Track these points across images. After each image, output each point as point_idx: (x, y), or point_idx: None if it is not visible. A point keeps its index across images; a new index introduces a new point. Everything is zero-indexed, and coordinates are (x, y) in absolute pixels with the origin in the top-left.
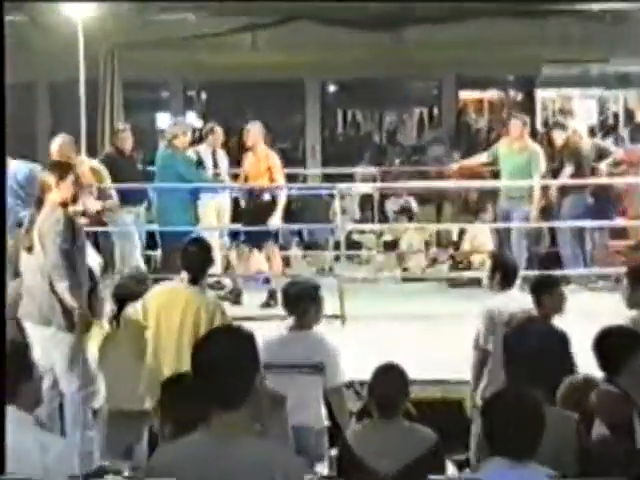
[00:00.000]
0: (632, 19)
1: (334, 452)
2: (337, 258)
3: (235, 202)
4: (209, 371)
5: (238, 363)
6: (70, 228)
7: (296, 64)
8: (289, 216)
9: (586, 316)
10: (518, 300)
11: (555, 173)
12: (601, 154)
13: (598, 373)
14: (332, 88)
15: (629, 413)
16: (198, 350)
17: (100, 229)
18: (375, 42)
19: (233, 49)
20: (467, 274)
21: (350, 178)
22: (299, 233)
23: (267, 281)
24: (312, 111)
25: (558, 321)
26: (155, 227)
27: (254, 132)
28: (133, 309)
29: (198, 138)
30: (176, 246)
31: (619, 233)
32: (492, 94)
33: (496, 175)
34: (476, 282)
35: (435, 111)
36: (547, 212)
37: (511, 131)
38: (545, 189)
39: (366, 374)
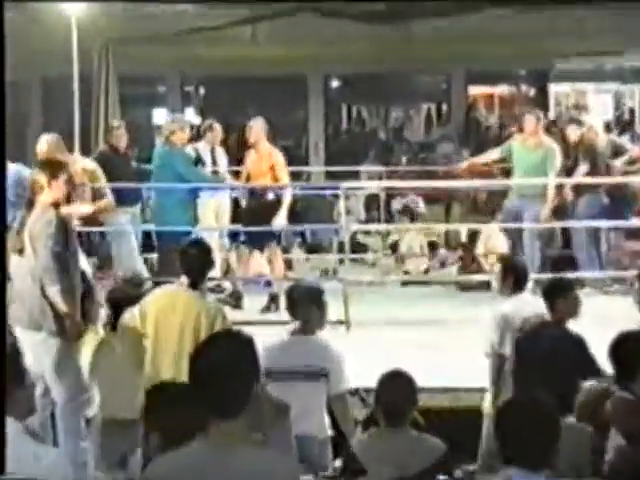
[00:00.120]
0: None
1: (338, 462)
2: (341, 261)
3: (235, 202)
4: (207, 378)
5: (237, 369)
6: (62, 230)
7: (298, 58)
8: (291, 216)
9: (601, 321)
10: (531, 304)
11: (569, 171)
12: (617, 151)
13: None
14: (336, 83)
15: None
16: (196, 356)
17: (95, 229)
18: (381, 35)
19: (232, 42)
20: (477, 277)
21: (355, 177)
22: (301, 234)
23: (269, 284)
24: (315, 107)
25: (572, 326)
26: (152, 227)
27: (256, 129)
28: (130, 314)
29: (196, 135)
30: (174, 248)
31: (635, 234)
32: (503, 89)
33: (507, 174)
34: (486, 285)
35: (443, 107)
36: (560, 212)
37: (525, 127)
38: (559, 188)
39: (372, 381)
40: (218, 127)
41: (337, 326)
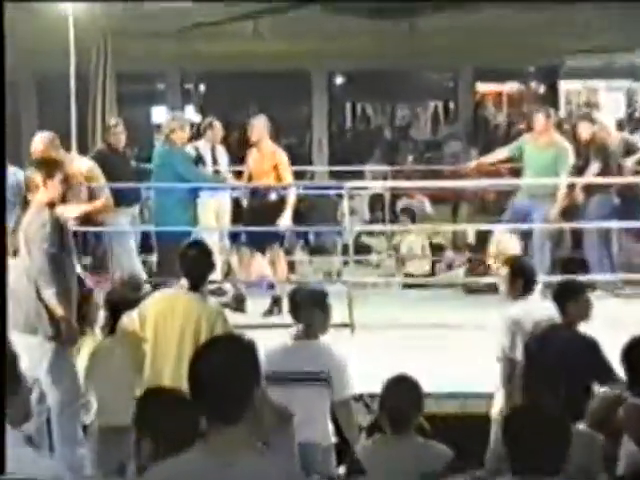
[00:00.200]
0: None
1: (342, 470)
2: (345, 262)
3: (235, 202)
4: (207, 382)
5: (237, 374)
6: (58, 231)
7: (301, 53)
8: (294, 217)
9: (612, 325)
10: (541, 307)
11: (580, 170)
12: (628, 150)
13: None
14: (340, 79)
15: None
16: (196, 360)
17: (92, 229)
18: (386, 30)
19: (234, 38)
20: (484, 279)
21: (359, 176)
22: (304, 235)
23: (271, 287)
24: (318, 104)
25: (583, 329)
26: (151, 228)
27: (259, 127)
28: (128, 318)
29: (196, 133)
30: (174, 249)
31: None
32: (512, 86)
33: (516, 173)
34: (494, 288)
35: (451, 105)
36: (570, 212)
37: (535, 125)
38: (570, 188)
39: (377, 386)
40: (218, 125)
41: (341, 329)
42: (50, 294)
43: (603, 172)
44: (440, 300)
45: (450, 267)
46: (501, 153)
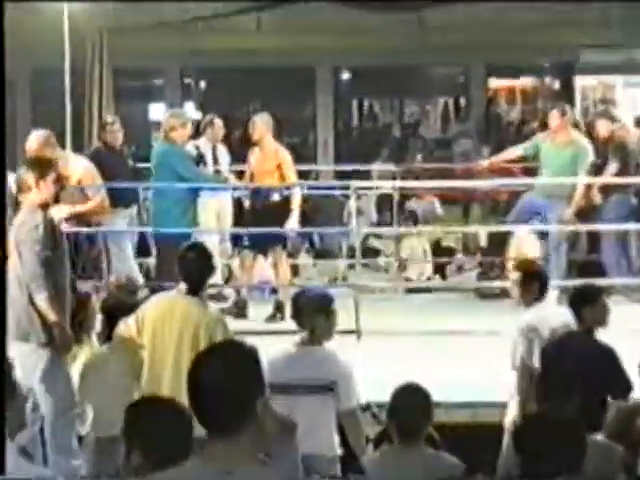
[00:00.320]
0: None
1: None
2: (352, 266)
3: (237, 203)
4: (206, 391)
5: (239, 382)
6: (50, 233)
7: (306, 49)
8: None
9: (630, 331)
10: (557, 313)
11: (598, 170)
12: None
13: None
14: (346, 75)
15: None
16: (195, 367)
17: (86, 230)
18: (394, 24)
19: (236, 32)
20: (498, 284)
21: (366, 176)
22: (309, 238)
23: (274, 291)
24: (324, 101)
25: (599, 336)
26: (149, 229)
27: (261, 125)
28: (125, 324)
29: (196, 131)
30: (173, 252)
31: None
32: (525, 82)
33: (529, 172)
34: (508, 293)
35: (462, 101)
36: (586, 213)
37: (550, 123)
38: (588, 188)
39: (384, 395)
40: (219, 123)
41: (347, 336)
42: (42, 299)
43: (621, 172)
44: (451, 305)
45: (461, 271)
46: (514, 152)
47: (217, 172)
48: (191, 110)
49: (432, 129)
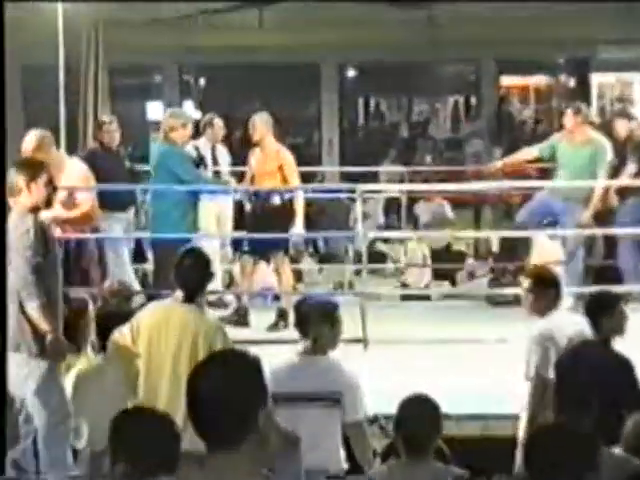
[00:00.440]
0: None
1: None
2: (358, 272)
3: (239, 206)
4: (206, 402)
5: (240, 393)
6: (42, 238)
7: (310, 45)
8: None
9: None
10: (573, 322)
11: (615, 171)
12: None
13: None
14: (352, 72)
15: None
16: (195, 378)
17: (82, 236)
18: (402, 19)
19: (237, 28)
20: (510, 291)
21: (373, 178)
22: (313, 242)
23: (276, 298)
24: (328, 100)
25: (616, 346)
26: (147, 235)
27: (261, 124)
28: (119, 333)
29: (195, 131)
30: (171, 257)
31: None
32: (539, 80)
33: (544, 173)
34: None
35: (472, 100)
36: (603, 217)
37: (565, 123)
38: (606, 190)
39: (392, 407)
40: (219, 122)
41: (353, 345)
42: (34, 307)
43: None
44: (462, 313)
45: (472, 277)
46: (529, 153)
47: (217, 173)
48: (190, 109)
49: (441, 129)
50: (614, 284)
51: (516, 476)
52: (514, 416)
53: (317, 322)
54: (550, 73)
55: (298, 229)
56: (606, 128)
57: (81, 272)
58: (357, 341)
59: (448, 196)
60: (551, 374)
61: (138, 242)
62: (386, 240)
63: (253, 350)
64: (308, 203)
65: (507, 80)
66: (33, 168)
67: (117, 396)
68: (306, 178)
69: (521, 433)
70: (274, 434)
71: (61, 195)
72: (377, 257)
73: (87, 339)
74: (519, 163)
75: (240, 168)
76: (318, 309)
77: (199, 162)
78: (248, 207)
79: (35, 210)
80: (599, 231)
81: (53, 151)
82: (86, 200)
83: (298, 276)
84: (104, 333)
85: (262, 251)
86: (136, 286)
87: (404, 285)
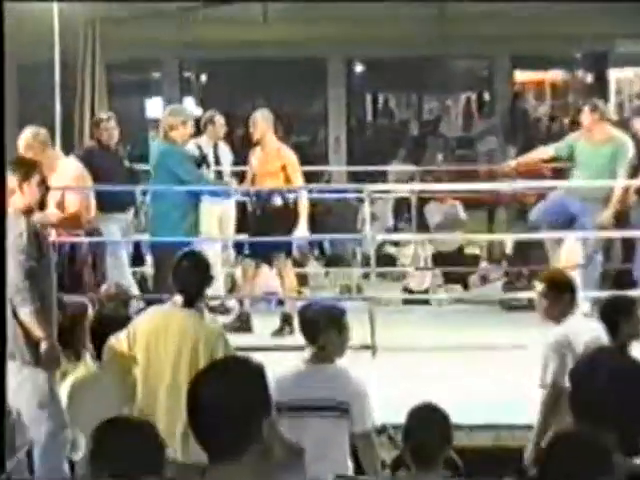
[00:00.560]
0: None
1: None
2: (366, 275)
3: (242, 207)
4: (208, 412)
5: (243, 402)
6: (35, 241)
7: (316, 40)
8: (307, 223)
9: None
10: (589, 328)
11: (635, 170)
12: None
13: None
14: (360, 68)
15: None
16: (196, 386)
17: (77, 240)
18: (412, 13)
19: (240, 22)
20: (525, 295)
21: (382, 178)
22: (320, 245)
23: (281, 303)
24: (335, 96)
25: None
26: (146, 238)
27: (261, 121)
28: (115, 339)
29: (195, 129)
30: (172, 261)
31: None
32: (555, 75)
33: (560, 173)
34: None
35: (485, 96)
36: (621, 218)
37: (582, 121)
38: (626, 189)
39: (402, 416)
40: (220, 120)
41: (361, 352)
42: (27, 313)
43: None
44: (474, 318)
45: (485, 281)
46: (545, 152)
47: (219, 173)
48: (191, 106)
49: (453, 127)
50: (632, 288)
51: None
52: (528, 426)
53: (323, 328)
54: (566, 68)
55: (301, 231)
56: (624, 125)
57: (74, 276)
58: (365, 348)
59: (460, 196)
60: (567, 382)
61: (136, 244)
62: (395, 243)
63: (256, 357)
64: (314, 204)
65: (521, 76)
66: (26, 168)
67: (114, 405)
68: (312, 178)
69: (531, 440)
70: (277, 444)
71: (55, 196)
72: (386, 260)
73: (86, 345)
74: (534, 162)
75: (242, 168)
76: (325, 315)
77: (201, 161)
78: (250, 209)
79: (28, 212)
80: (617, 234)
81: (48, 149)
82: (74, 202)
83: (303, 280)
84: (100, 339)
85: (263, 254)
86: (134, 290)
87: (406, 290)
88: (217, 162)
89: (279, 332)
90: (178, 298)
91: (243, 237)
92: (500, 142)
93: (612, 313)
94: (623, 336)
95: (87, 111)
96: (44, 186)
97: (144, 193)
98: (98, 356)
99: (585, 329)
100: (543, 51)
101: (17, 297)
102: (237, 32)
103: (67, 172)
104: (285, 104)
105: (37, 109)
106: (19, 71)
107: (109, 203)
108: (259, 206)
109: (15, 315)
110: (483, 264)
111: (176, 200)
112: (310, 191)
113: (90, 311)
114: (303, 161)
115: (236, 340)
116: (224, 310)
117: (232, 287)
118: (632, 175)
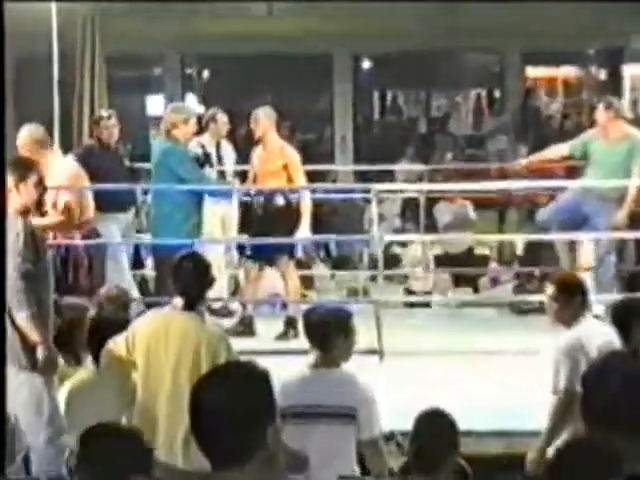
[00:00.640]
0: None
1: None
2: (373, 278)
3: (246, 208)
4: (210, 418)
5: (247, 408)
6: (32, 243)
7: (322, 34)
8: (312, 225)
9: None
10: (602, 332)
11: None
12: None
13: None
14: (367, 64)
15: None
16: (198, 392)
17: (75, 242)
18: (420, 7)
19: (243, 16)
20: (536, 297)
21: (389, 177)
22: (325, 246)
23: (285, 306)
24: (342, 93)
25: None
26: (147, 239)
27: (263, 119)
28: (114, 343)
29: (197, 127)
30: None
31: None
32: (568, 71)
33: (573, 172)
34: None
35: (496, 93)
36: (635, 218)
37: (597, 119)
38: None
39: (410, 423)
40: (223, 118)
41: (368, 356)
42: (23, 317)
43: None
44: (484, 322)
45: (495, 283)
46: (559, 150)
47: (221, 173)
48: (193, 103)
49: (463, 124)
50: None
51: None
52: (538, 433)
53: (329, 332)
54: (579, 64)
55: (304, 232)
56: (639, 123)
57: (69, 279)
58: (372, 352)
59: (470, 196)
60: (579, 387)
61: (136, 245)
62: (403, 244)
63: (260, 361)
64: (319, 204)
65: (533, 72)
66: (22, 168)
67: (112, 411)
68: (318, 177)
69: (549, 450)
70: (282, 451)
71: (50, 196)
72: (393, 262)
73: (86, 349)
74: (547, 160)
75: (245, 167)
76: (330, 318)
77: (205, 160)
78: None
79: (25, 213)
80: (631, 234)
81: (45, 149)
82: (66, 202)
83: (309, 282)
84: (99, 343)
85: (264, 256)
86: (135, 292)
87: (408, 291)
88: (220, 161)
89: (283, 336)
90: (178, 301)
91: (245, 238)
92: (511, 140)
93: (625, 316)
94: (636, 340)
95: (86, 108)
96: (41, 186)
97: (145, 193)
98: (97, 360)
99: (598, 333)
100: (555, 47)
101: (13, 301)
102: (241, 27)
103: (61, 171)
104: (290, 101)
105: (35, 105)
106: (16, 66)
107: (109, 203)
108: (261, 206)
109: (11, 319)
110: (493, 265)
111: (178, 201)
112: (315, 191)
113: (89, 314)
114: (309, 160)
115: (239, 344)
116: (227, 313)
117: (235, 289)
118: None
